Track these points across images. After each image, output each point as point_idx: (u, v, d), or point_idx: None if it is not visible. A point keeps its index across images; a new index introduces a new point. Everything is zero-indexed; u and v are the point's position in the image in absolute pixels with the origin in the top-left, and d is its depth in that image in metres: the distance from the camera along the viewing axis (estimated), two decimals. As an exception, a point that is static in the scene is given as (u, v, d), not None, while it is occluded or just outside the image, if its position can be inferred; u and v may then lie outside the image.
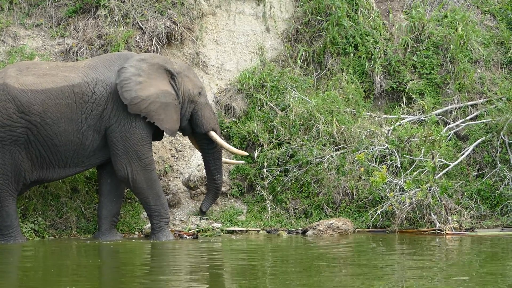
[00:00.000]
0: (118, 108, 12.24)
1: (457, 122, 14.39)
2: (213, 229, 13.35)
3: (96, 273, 10.01)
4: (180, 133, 13.59)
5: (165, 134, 13.06)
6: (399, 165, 13.64)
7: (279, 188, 13.72)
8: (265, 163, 13.79)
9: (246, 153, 13.59)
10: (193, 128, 12.94)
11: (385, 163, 13.63)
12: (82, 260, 10.87)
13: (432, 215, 12.95)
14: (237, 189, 13.99)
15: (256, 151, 14.00)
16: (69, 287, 8.68)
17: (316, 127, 13.96)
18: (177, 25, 14.86)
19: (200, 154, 13.38)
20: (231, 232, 13.32)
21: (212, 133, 12.94)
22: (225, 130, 14.24)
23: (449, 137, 14.12)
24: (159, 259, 11.14)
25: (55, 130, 12.05)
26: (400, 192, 13.17)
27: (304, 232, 13.13)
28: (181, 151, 14.19)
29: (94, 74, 12.27)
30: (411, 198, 12.95)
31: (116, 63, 12.44)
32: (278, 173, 13.80)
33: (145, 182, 12.40)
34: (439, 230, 12.77)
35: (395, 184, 13.26)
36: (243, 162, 13.77)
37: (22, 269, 10.14)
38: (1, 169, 11.96)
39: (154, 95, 12.31)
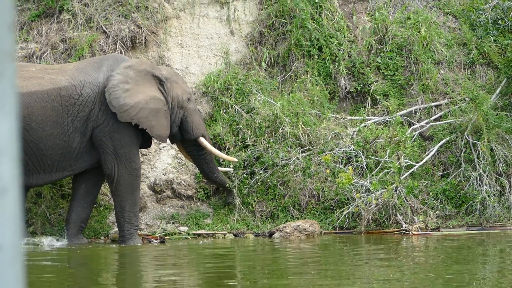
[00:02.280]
0: (107, 108, 12.11)
1: (422, 123, 14.47)
2: (180, 233, 13.29)
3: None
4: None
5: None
6: (364, 166, 13.68)
7: (245, 191, 13.69)
8: (231, 166, 13.76)
9: (236, 160, 13.51)
10: (182, 135, 12.84)
11: (351, 165, 13.66)
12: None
13: (398, 215, 13.01)
14: (203, 192, 13.94)
15: (222, 154, 13.96)
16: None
17: (281, 129, 13.97)
18: (141, 28, 14.80)
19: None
20: (198, 235, 13.28)
21: (202, 139, 12.82)
22: (191, 134, 14.18)
23: (413, 138, 14.19)
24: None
25: (40, 134, 11.90)
26: (366, 193, 13.21)
27: (271, 234, 13.11)
28: (146, 155, 14.12)
29: (82, 76, 12.14)
30: (377, 199, 13.00)
31: (104, 64, 12.33)
32: (244, 175, 13.77)
33: (127, 187, 12.29)
34: (406, 230, 12.83)
35: (361, 185, 13.30)
36: (231, 169, 13.65)
37: None
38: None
39: (143, 102, 12.18)
